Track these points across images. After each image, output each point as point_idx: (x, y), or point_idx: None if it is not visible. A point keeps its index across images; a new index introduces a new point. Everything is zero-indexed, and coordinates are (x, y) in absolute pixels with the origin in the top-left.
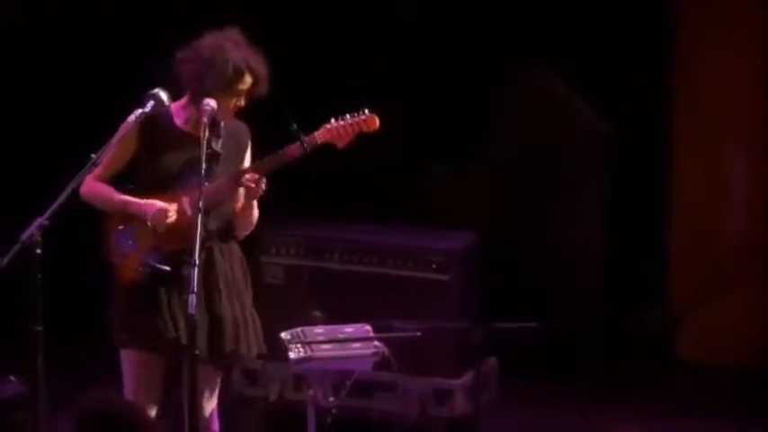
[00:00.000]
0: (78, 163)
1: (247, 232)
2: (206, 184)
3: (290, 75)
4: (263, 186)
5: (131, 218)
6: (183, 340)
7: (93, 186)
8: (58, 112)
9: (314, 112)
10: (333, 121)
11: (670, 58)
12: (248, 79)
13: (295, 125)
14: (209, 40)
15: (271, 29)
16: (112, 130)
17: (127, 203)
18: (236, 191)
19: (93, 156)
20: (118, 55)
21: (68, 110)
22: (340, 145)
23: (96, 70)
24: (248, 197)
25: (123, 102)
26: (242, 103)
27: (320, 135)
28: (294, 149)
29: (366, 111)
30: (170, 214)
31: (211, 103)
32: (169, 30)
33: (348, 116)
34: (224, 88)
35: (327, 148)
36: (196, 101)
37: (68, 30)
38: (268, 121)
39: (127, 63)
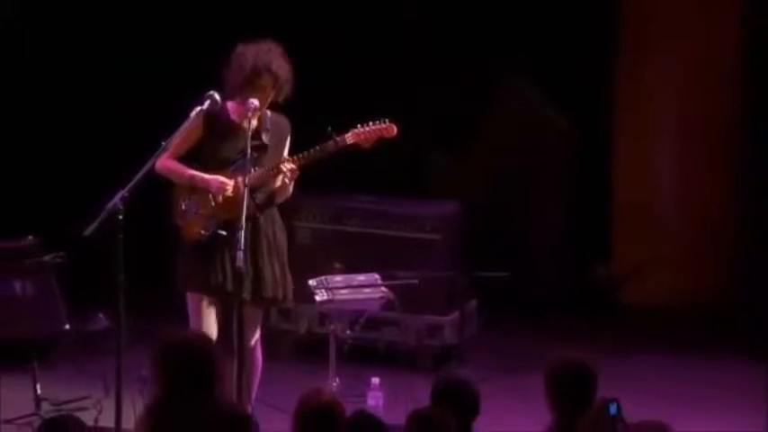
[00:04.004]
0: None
1: (283, 200)
2: (255, 168)
3: (305, 72)
4: (296, 174)
5: (195, 190)
6: (229, 287)
7: (167, 163)
8: (59, 112)
9: (329, 108)
10: (359, 126)
11: (614, 62)
12: (267, 78)
13: (330, 128)
14: (241, 47)
15: (283, 36)
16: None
17: (194, 177)
18: (277, 175)
19: (162, 143)
20: (117, 54)
21: (69, 109)
22: (365, 146)
23: (96, 70)
24: (285, 179)
25: (123, 100)
26: (269, 97)
27: (349, 137)
28: (328, 147)
29: (386, 120)
30: (228, 188)
31: (255, 102)
32: (167, 30)
33: (371, 123)
34: (246, 84)
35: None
36: (233, 96)
37: (68, 30)
38: (307, 124)
39: (127, 62)
